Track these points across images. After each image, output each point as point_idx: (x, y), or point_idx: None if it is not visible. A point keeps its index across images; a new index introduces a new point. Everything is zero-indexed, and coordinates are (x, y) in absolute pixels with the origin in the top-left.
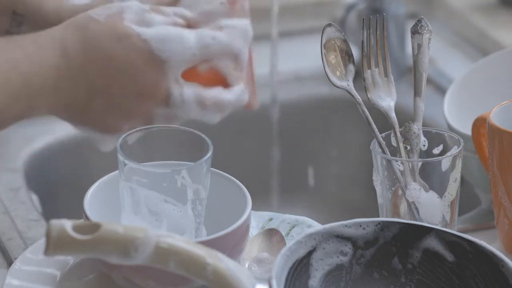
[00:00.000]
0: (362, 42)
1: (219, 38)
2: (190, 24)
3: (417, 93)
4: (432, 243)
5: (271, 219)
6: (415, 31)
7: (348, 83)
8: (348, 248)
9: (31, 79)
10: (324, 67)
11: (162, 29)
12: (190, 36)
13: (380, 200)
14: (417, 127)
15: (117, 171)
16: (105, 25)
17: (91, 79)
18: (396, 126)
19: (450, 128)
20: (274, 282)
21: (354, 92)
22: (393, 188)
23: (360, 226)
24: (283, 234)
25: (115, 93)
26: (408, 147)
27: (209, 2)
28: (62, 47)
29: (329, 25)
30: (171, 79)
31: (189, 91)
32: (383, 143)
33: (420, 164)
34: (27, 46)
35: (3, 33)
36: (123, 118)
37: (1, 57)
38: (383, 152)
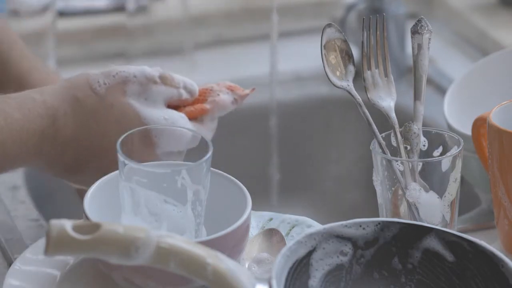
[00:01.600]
0: (362, 42)
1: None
2: (193, 102)
3: (417, 96)
4: (432, 243)
5: (271, 219)
6: (415, 31)
7: (348, 83)
8: (348, 248)
9: (8, 145)
10: (324, 67)
11: (166, 115)
12: (189, 134)
13: (380, 200)
14: (417, 127)
15: (117, 171)
16: (104, 101)
17: (80, 150)
18: (396, 126)
19: (450, 128)
20: (274, 282)
21: (354, 92)
22: (393, 188)
23: (360, 226)
24: (283, 234)
25: (105, 163)
26: (408, 147)
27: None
28: (52, 117)
29: (329, 25)
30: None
31: None
32: (383, 143)
33: (420, 164)
34: (12, 113)
35: None
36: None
37: None
38: (383, 152)
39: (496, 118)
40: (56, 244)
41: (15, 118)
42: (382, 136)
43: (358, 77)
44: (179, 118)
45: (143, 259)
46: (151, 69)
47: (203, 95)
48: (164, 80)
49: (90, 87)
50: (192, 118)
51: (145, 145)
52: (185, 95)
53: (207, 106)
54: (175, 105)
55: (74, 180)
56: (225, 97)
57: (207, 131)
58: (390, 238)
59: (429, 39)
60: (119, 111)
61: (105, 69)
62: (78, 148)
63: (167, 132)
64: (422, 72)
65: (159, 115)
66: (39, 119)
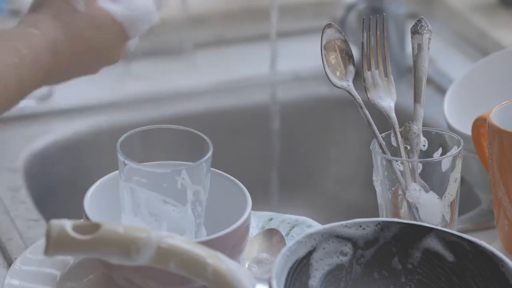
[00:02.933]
0: (362, 43)
1: None
2: None
3: (416, 99)
4: (432, 243)
5: (271, 219)
6: (415, 31)
7: (348, 83)
8: (348, 248)
9: (24, 81)
10: (324, 67)
11: (132, 9)
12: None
13: (380, 200)
14: (417, 127)
15: (117, 171)
16: (87, 16)
17: (74, 65)
18: (396, 126)
19: (450, 128)
20: (274, 282)
21: (354, 92)
22: (393, 188)
23: (360, 226)
24: (283, 234)
25: (91, 61)
26: (408, 147)
27: None
28: (53, 48)
29: (329, 25)
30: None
31: None
32: (383, 143)
33: (420, 164)
34: (22, 48)
35: None
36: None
37: (1, 62)
38: (383, 152)
39: (496, 118)
40: (56, 244)
41: (25, 54)
42: (382, 136)
43: (358, 77)
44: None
45: (144, 259)
46: None
47: None
48: None
49: (72, 8)
50: None
51: (121, 38)
52: None
53: None
54: None
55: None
56: None
57: None
58: (390, 238)
59: (429, 39)
60: (100, 19)
61: None
62: (71, 67)
63: (137, 20)
64: (422, 74)
65: (123, 8)
66: (45, 52)
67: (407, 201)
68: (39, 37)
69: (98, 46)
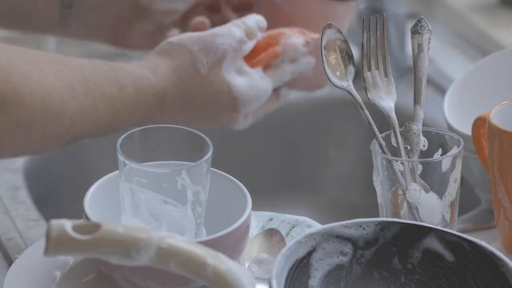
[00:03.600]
0: (362, 44)
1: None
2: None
3: (416, 100)
4: (432, 243)
5: (271, 219)
6: (415, 31)
7: (348, 84)
8: (348, 248)
9: (119, 112)
10: (324, 67)
11: (252, 87)
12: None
13: (380, 200)
14: (417, 127)
15: (117, 171)
16: (206, 79)
17: (177, 120)
18: (396, 126)
19: (450, 128)
20: (274, 282)
21: (354, 92)
22: (393, 188)
23: (360, 226)
24: (283, 234)
25: (194, 122)
26: (408, 147)
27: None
28: (161, 97)
29: (329, 26)
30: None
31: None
32: (383, 143)
33: (420, 164)
34: (128, 85)
35: (52, 27)
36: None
37: (99, 89)
38: (383, 152)
39: (496, 118)
40: (56, 244)
41: (128, 92)
42: (382, 136)
43: (358, 77)
44: (260, 81)
45: (144, 259)
46: (237, 29)
47: (276, 39)
48: (250, 36)
49: (195, 68)
50: (265, 64)
51: (229, 113)
52: (259, 35)
53: (278, 49)
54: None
55: None
56: (296, 40)
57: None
58: (390, 238)
59: (429, 39)
60: (218, 87)
61: (202, 39)
62: (177, 120)
63: (253, 99)
64: (421, 75)
65: (245, 84)
66: (149, 97)
67: (407, 202)
68: (151, 83)
69: (206, 111)
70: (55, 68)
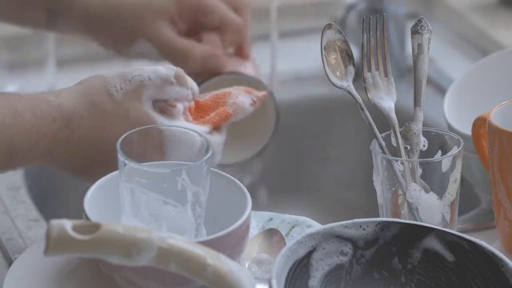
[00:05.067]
0: (362, 44)
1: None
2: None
3: (416, 102)
4: (432, 243)
5: (271, 219)
6: (415, 31)
7: (348, 84)
8: (348, 248)
9: (15, 143)
10: (324, 67)
11: (178, 125)
12: (199, 141)
13: (380, 200)
14: (417, 127)
15: (117, 171)
16: (120, 106)
17: (91, 153)
18: (396, 126)
19: (450, 128)
20: (274, 282)
21: (354, 92)
22: (393, 189)
23: (360, 226)
24: (283, 234)
25: (112, 165)
26: (408, 147)
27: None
28: (67, 120)
29: (329, 26)
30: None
31: None
32: (383, 143)
33: (420, 164)
34: (23, 112)
35: (42, 28)
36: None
37: (1, 136)
38: (383, 152)
39: (496, 118)
40: (56, 244)
41: (26, 118)
42: (382, 136)
43: (358, 77)
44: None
45: (144, 259)
46: (165, 69)
47: (222, 99)
48: (179, 80)
49: (107, 92)
50: (216, 125)
51: (155, 149)
52: (191, 95)
53: (229, 111)
54: (196, 112)
55: (85, 179)
56: (244, 99)
57: (219, 142)
58: (390, 238)
59: (429, 39)
60: (135, 117)
61: (120, 71)
62: (90, 150)
63: (178, 138)
64: (421, 77)
65: (176, 125)
66: (52, 121)
67: (407, 202)
68: (52, 105)
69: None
70: None
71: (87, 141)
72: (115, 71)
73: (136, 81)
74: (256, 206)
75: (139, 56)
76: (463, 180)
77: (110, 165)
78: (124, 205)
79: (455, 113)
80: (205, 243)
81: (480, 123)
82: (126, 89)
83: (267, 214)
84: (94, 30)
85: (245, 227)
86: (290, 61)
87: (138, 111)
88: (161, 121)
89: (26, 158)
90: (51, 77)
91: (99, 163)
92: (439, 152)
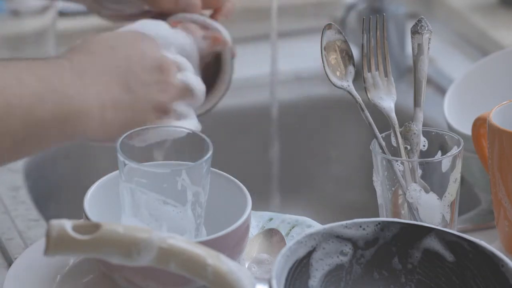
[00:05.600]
0: (362, 45)
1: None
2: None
3: (416, 103)
4: (432, 243)
5: (271, 219)
6: (415, 31)
7: (348, 84)
8: (348, 248)
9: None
10: (324, 67)
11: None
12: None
13: (380, 200)
14: (417, 127)
15: (117, 171)
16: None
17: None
18: (396, 126)
19: (450, 128)
20: (274, 282)
21: (354, 92)
22: (393, 189)
23: (360, 226)
24: (283, 234)
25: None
26: (408, 147)
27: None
28: (67, 59)
29: (329, 26)
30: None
31: None
32: (383, 143)
33: (420, 164)
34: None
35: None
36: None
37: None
38: (383, 152)
39: (496, 118)
40: (56, 244)
41: (39, 64)
42: (382, 136)
43: (358, 77)
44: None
45: (145, 260)
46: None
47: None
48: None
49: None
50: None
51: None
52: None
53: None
54: None
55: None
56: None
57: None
58: (390, 238)
59: (429, 39)
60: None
61: None
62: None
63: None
64: (421, 77)
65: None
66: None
67: (407, 202)
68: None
69: (125, 49)
70: None
71: (96, 60)
72: None
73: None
74: (256, 206)
75: (119, 8)
76: (463, 180)
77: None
78: (124, 205)
79: (455, 113)
80: (205, 243)
81: (480, 123)
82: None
83: (267, 214)
84: None
85: (245, 227)
86: (290, 61)
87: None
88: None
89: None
90: None
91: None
92: (439, 152)
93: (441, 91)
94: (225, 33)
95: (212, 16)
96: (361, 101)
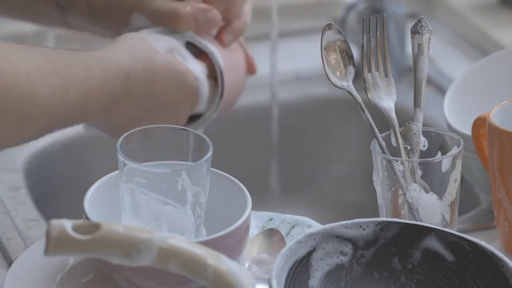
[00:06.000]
0: (362, 45)
1: None
2: None
3: (416, 103)
4: (432, 243)
5: (271, 219)
6: (415, 31)
7: (348, 84)
8: (348, 248)
9: (88, 96)
10: (324, 67)
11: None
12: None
13: (380, 200)
14: (417, 127)
15: (117, 171)
16: (165, 58)
17: (141, 107)
18: (396, 126)
19: (450, 128)
20: (274, 282)
21: (354, 92)
22: (393, 189)
23: (360, 226)
24: (283, 234)
25: (156, 121)
26: (408, 147)
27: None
28: (126, 75)
29: (329, 26)
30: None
31: None
32: (383, 143)
33: (420, 164)
34: (92, 66)
35: (57, 23)
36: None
37: (65, 71)
38: (383, 152)
39: (496, 118)
40: (56, 244)
41: (94, 72)
42: (382, 136)
43: (358, 77)
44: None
45: (145, 260)
46: None
47: None
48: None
49: (152, 47)
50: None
51: (191, 98)
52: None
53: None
54: None
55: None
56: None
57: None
58: (390, 238)
59: (429, 39)
60: (179, 69)
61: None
62: (143, 106)
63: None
64: (421, 78)
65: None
66: (114, 77)
67: (407, 202)
68: (113, 61)
69: (170, 92)
70: (17, 50)
71: (142, 96)
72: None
73: (167, 40)
74: (256, 206)
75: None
76: (463, 180)
77: (157, 119)
78: (124, 205)
79: (455, 113)
80: (205, 243)
81: (480, 123)
82: (164, 47)
83: (267, 214)
84: (97, 16)
85: (245, 227)
86: (290, 61)
87: (179, 64)
88: (194, 69)
89: (93, 111)
90: None
91: (147, 118)
92: (439, 152)
93: (441, 91)
94: (218, 58)
95: (219, 32)
96: (361, 101)
